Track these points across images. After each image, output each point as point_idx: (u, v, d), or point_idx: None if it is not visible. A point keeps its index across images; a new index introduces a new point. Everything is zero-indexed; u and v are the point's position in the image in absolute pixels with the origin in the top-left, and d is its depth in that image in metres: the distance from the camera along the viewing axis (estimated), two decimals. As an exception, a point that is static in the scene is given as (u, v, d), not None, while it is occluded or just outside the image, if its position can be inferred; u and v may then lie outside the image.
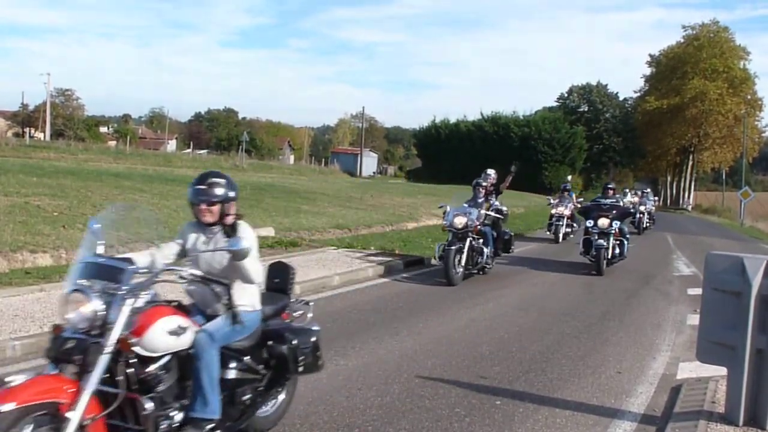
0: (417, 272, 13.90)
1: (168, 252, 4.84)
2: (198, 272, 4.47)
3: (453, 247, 12.28)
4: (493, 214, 13.98)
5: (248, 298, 4.76)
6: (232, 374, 4.62)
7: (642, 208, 29.55)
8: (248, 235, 4.75)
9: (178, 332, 4.25)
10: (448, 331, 8.93)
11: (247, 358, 4.76)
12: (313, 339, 5.10)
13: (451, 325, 9.30)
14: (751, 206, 52.25)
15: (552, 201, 24.13)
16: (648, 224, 30.64)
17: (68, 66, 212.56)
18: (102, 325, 3.92)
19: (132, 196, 18.82)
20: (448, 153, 70.59)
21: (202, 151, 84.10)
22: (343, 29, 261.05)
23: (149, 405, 4.03)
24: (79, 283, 4.12)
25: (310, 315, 5.53)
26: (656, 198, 42.62)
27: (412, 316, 9.68)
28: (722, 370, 5.85)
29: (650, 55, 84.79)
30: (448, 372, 6.97)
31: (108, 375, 3.89)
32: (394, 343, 8.12)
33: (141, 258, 4.60)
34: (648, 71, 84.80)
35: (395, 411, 5.76)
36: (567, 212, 22.96)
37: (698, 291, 9.33)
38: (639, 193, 34.85)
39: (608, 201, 16.26)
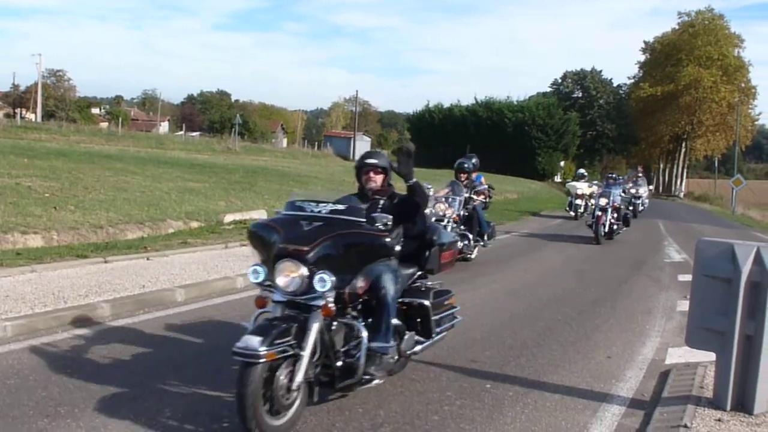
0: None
1: None
2: None
3: None
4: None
5: None
6: None
7: (602, 201, 18.80)
8: None
9: None
10: (439, 315, 8.93)
11: None
12: None
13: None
14: (743, 194, 52.45)
15: (434, 195, 13.08)
16: (617, 228, 19.55)
17: (60, 47, 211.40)
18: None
19: (124, 178, 18.77)
20: (441, 138, 70.44)
21: (194, 134, 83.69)
22: (337, 13, 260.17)
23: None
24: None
25: None
26: (650, 187, 36.61)
27: (404, 300, 9.68)
28: (711, 356, 5.88)
29: (645, 42, 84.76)
30: (439, 356, 6.99)
31: None
32: (385, 326, 8.12)
33: None
34: (642, 58, 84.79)
35: (386, 394, 5.78)
36: (455, 213, 13.31)
37: (689, 277, 9.33)
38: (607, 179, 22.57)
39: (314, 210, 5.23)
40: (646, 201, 31.03)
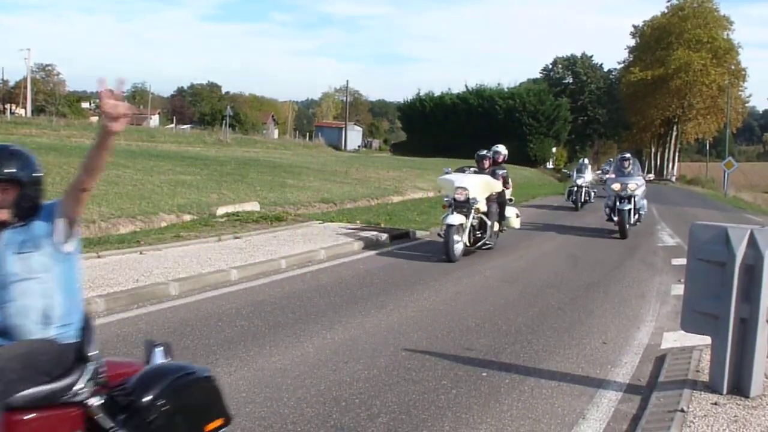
0: (402, 246, 13.91)
1: None
2: None
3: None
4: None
5: None
6: None
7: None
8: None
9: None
10: (433, 304, 8.95)
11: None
12: None
13: (437, 298, 9.32)
14: (735, 177, 52.60)
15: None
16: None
17: (49, 41, 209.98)
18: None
19: (115, 172, 18.69)
20: (432, 126, 70.42)
21: (185, 126, 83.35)
22: (326, 2, 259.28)
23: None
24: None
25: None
26: (650, 176, 21.97)
27: (398, 289, 9.69)
28: (706, 340, 5.89)
29: (634, 26, 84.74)
30: (434, 344, 6.99)
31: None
32: (380, 316, 8.13)
33: None
34: (632, 42, 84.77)
35: (382, 384, 5.78)
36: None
37: (682, 261, 9.38)
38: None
39: None
40: (644, 203, 18.21)
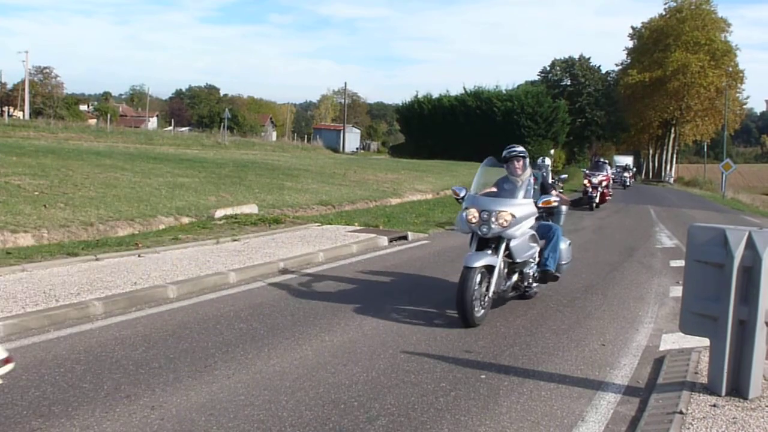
0: (400, 248, 13.90)
1: None
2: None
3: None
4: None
5: None
6: None
7: None
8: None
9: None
10: (432, 306, 8.94)
11: None
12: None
13: (436, 300, 9.31)
14: (733, 178, 52.78)
15: None
16: None
17: (46, 44, 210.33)
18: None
19: (113, 175, 18.68)
20: (431, 128, 70.35)
21: (183, 129, 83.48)
22: (324, 4, 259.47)
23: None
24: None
25: None
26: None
27: (397, 291, 9.68)
28: (705, 341, 5.89)
29: (632, 28, 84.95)
30: (433, 347, 6.99)
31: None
32: (379, 318, 8.12)
33: None
34: (630, 44, 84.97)
35: (381, 386, 5.77)
36: None
37: (681, 263, 9.38)
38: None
39: None
40: (559, 248, 8.97)
